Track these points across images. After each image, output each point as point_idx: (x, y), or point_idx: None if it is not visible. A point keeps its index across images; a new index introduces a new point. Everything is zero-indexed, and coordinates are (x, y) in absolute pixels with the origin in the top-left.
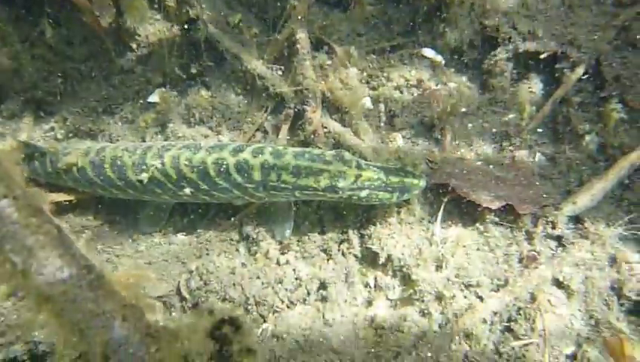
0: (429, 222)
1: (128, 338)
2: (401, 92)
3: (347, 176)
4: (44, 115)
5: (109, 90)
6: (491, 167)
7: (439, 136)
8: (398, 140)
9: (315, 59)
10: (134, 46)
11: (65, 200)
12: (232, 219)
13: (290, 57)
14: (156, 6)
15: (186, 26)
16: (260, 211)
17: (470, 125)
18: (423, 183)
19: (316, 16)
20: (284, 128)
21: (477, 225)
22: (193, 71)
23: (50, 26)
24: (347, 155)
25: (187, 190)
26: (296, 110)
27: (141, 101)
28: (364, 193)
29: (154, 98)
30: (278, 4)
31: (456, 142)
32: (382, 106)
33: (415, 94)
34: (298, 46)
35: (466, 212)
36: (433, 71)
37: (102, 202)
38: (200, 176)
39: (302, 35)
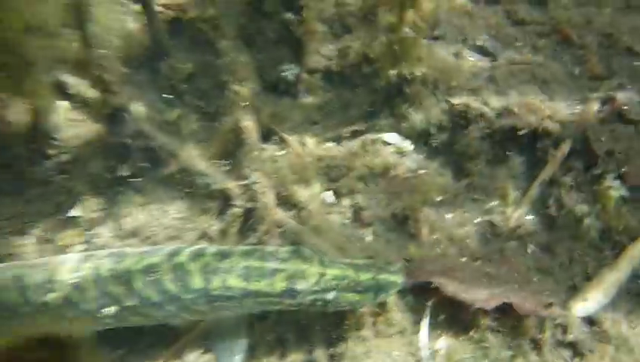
0: (413, 333)
1: None
2: (366, 183)
3: (308, 275)
4: None
5: (22, 205)
6: (479, 262)
7: (414, 231)
8: (368, 237)
9: (264, 152)
10: (52, 152)
11: None
12: (170, 348)
13: (236, 151)
14: (77, 104)
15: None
16: (205, 334)
17: (448, 216)
18: (400, 279)
19: (264, 104)
20: (232, 232)
21: (471, 333)
22: (123, 173)
23: None
24: (307, 251)
25: (110, 310)
26: (245, 209)
27: (60, 216)
28: (330, 295)
29: (76, 211)
30: (223, 93)
31: (435, 236)
32: (345, 200)
33: (382, 183)
34: (244, 136)
35: (457, 317)
36: (400, 157)
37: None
38: (125, 289)
39: (248, 123)
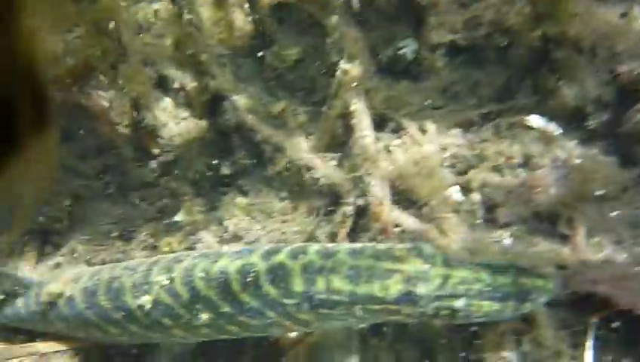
0: (572, 358)
1: None
2: (502, 174)
3: (430, 277)
4: (51, 249)
5: (126, 209)
6: None
7: (566, 232)
8: (505, 240)
9: (378, 141)
10: (157, 151)
11: (55, 351)
12: None
13: (346, 141)
14: (182, 100)
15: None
16: (312, 350)
17: (614, 213)
18: (551, 285)
19: (377, 86)
20: (343, 233)
21: None
22: (226, 172)
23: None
24: (428, 249)
25: (204, 317)
26: (356, 207)
27: (165, 221)
28: (459, 303)
29: (180, 216)
30: (330, 80)
31: (596, 239)
32: (476, 196)
33: (523, 176)
34: (354, 121)
35: (632, 339)
36: (546, 143)
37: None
38: (220, 293)
39: (358, 107)
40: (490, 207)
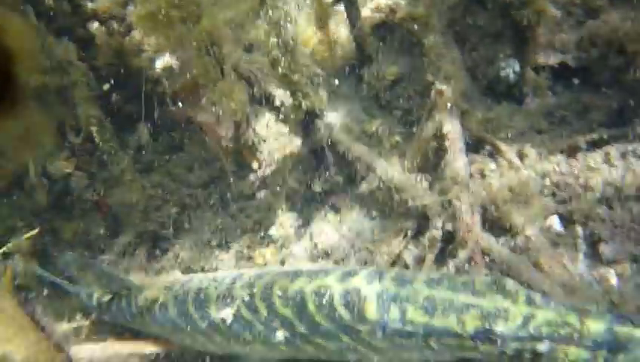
0: None
1: None
2: (611, 206)
3: (512, 315)
4: (159, 253)
5: (226, 219)
6: None
7: None
8: (611, 279)
9: (472, 165)
10: (256, 166)
11: (151, 351)
12: None
13: (438, 163)
14: (283, 117)
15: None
16: None
17: None
18: None
19: (475, 108)
20: (429, 258)
21: None
22: (317, 189)
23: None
24: (510, 283)
25: (280, 335)
26: (445, 231)
27: (261, 233)
28: (542, 347)
29: (274, 229)
30: (428, 100)
31: None
32: (578, 229)
33: (635, 210)
34: (447, 142)
35: None
36: None
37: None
38: (296, 312)
39: (452, 128)
40: (594, 243)
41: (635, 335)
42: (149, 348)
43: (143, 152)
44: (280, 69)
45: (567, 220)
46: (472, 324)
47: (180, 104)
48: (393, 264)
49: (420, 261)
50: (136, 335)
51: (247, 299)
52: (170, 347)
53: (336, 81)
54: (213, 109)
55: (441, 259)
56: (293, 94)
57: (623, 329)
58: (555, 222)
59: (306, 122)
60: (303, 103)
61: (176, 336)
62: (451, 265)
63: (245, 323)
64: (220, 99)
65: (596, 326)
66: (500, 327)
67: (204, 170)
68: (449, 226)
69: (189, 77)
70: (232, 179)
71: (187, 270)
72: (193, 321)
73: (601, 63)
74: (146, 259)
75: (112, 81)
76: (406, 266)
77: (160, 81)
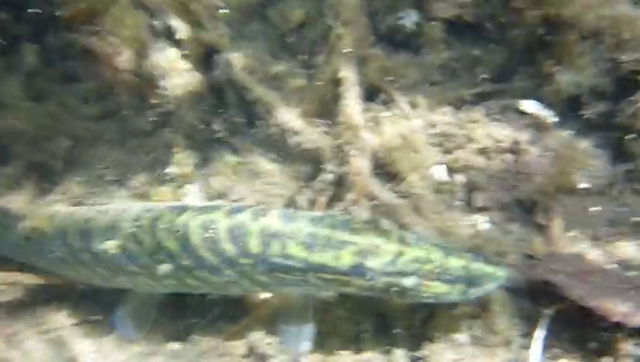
0: (521, 347)
1: None
2: (488, 158)
3: (382, 252)
4: (48, 186)
5: (123, 155)
6: (633, 273)
7: (543, 222)
8: (481, 224)
9: (367, 112)
10: (156, 101)
11: (33, 284)
12: (235, 325)
13: (334, 108)
14: (185, 52)
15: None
16: (272, 313)
17: (595, 209)
18: (502, 273)
19: (373, 56)
20: (322, 201)
21: (604, 360)
22: (216, 128)
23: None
24: (386, 223)
25: (165, 267)
26: (337, 175)
27: (157, 171)
28: (408, 281)
29: (172, 168)
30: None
31: (572, 234)
32: (459, 177)
33: (508, 161)
34: (342, 88)
35: (585, 336)
36: (536, 131)
37: (84, 294)
38: (180, 246)
39: (348, 74)
40: (470, 190)
41: (486, 271)
42: (32, 280)
43: (35, 79)
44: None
45: (451, 168)
46: (346, 260)
47: (75, 31)
48: (288, 206)
49: (312, 203)
50: (19, 266)
51: (132, 230)
52: (54, 279)
53: (241, 20)
54: (110, 39)
55: (331, 203)
56: (192, 27)
57: (477, 266)
58: (439, 171)
59: (207, 57)
60: (203, 36)
61: (59, 268)
62: (337, 207)
63: (130, 255)
64: (114, 25)
65: (455, 263)
66: (371, 262)
67: (101, 102)
68: (340, 170)
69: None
70: (127, 113)
71: (78, 205)
72: (76, 252)
73: (491, 20)
74: (33, 192)
75: None
76: (299, 208)
77: (54, 2)
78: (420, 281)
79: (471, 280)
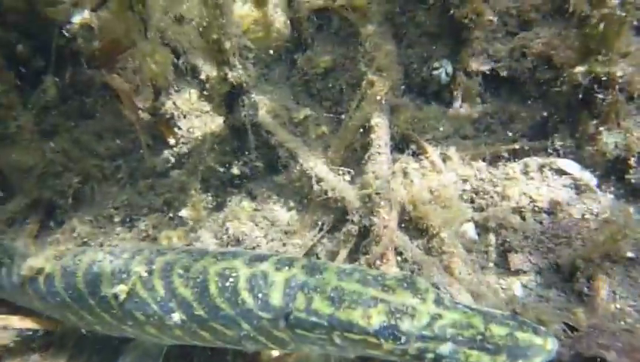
0: None
1: None
2: (523, 217)
3: (418, 313)
4: (53, 225)
5: (134, 196)
6: None
7: (586, 290)
8: (516, 288)
9: (396, 162)
10: (172, 142)
11: (30, 329)
12: None
13: (362, 157)
14: (207, 93)
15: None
16: None
17: None
18: (551, 345)
19: (405, 105)
20: (343, 253)
21: None
22: (236, 171)
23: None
24: (421, 282)
25: (176, 317)
26: (362, 227)
27: (170, 214)
28: (444, 348)
29: (185, 211)
30: (358, 90)
31: (618, 306)
32: (491, 237)
33: (546, 223)
34: (373, 136)
35: None
36: (577, 192)
37: (82, 341)
38: (196, 294)
39: (379, 121)
40: (504, 251)
41: (534, 342)
42: (26, 324)
43: (49, 114)
44: (209, 35)
45: (482, 227)
46: (377, 319)
47: (97, 67)
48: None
49: (333, 256)
50: (15, 309)
51: (144, 275)
52: (51, 325)
53: (268, 64)
54: (133, 75)
55: (353, 255)
56: (219, 65)
57: (524, 336)
58: (470, 229)
59: (230, 99)
60: (230, 75)
61: (60, 313)
62: (363, 260)
63: (139, 301)
64: (141, 59)
65: (499, 331)
66: (405, 325)
67: (115, 140)
68: (366, 222)
69: (109, 38)
70: (144, 153)
71: (84, 246)
72: (81, 296)
73: (530, 75)
74: (38, 230)
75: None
76: (318, 259)
77: (76, 38)
78: (459, 349)
79: (516, 352)
